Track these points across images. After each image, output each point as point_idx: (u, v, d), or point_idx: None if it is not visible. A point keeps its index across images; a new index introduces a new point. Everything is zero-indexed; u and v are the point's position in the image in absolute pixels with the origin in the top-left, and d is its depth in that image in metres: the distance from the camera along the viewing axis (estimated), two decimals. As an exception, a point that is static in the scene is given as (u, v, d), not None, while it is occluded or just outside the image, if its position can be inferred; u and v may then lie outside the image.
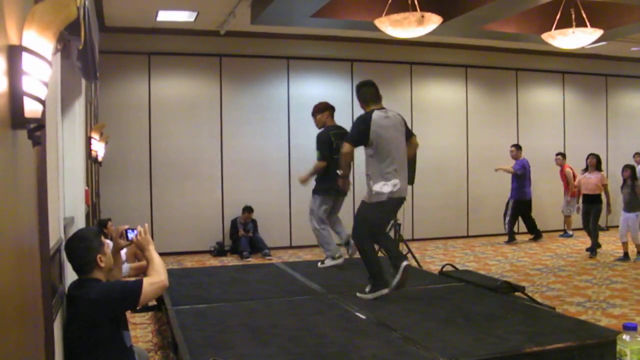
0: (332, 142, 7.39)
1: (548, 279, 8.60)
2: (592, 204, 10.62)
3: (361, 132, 5.93)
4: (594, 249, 10.50)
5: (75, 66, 4.68)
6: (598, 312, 6.68)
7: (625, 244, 9.91)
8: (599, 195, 10.62)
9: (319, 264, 7.68)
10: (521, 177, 12.16)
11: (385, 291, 5.80)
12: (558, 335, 4.56)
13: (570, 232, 12.90)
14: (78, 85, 5.72)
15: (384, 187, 5.84)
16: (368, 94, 6.17)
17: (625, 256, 9.83)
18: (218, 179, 11.68)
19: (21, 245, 2.22)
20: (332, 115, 7.68)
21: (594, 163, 10.80)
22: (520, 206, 12.28)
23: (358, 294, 5.89)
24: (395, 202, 6.03)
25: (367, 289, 5.87)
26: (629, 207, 9.82)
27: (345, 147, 6.02)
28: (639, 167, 12.89)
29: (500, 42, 11.98)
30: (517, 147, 12.57)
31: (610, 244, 11.35)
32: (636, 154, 14.16)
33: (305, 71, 12.14)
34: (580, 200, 11.06)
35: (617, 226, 10.31)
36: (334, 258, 7.51)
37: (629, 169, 10.03)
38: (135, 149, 11.22)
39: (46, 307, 2.70)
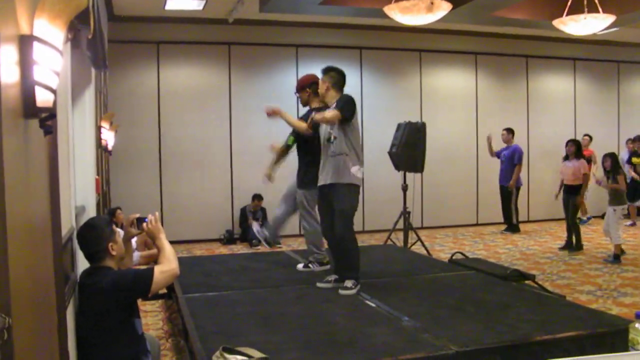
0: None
1: (558, 267, 8.59)
2: (571, 194, 9.93)
3: (354, 109, 5.78)
4: (570, 244, 9.89)
5: (84, 55, 4.68)
6: (609, 300, 6.67)
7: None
8: (578, 186, 9.87)
9: (301, 266, 6.88)
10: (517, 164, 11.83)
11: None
12: (569, 324, 4.56)
13: (585, 218, 12.79)
14: (88, 74, 5.72)
15: (358, 172, 5.72)
16: (344, 82, 6.04)
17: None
18: (227, 167, 11.70)
19: (34, 234, 2.24)
20: (315, 92, 6.56)
21: (573, 150, 10.04)
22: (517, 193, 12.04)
23: (341, 291, 5.61)
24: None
25: (349, 284, 5.65)
26: (609, 199, 9.10)
27: (335, 114, 5.61)
28: (623, 155, 12.71)
29: (510, 28, 11.91)
30: (509, 130, 12.11)
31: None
32: (629, 140, 13.36)
33: (314, 59, 12.07)
34: (562, 190, 10.29)
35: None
36: (322, 263, 6.77)
37: (609, 158, 9.23)
38: (144, 137, 11.24)
39: (59, 295, 2.72)
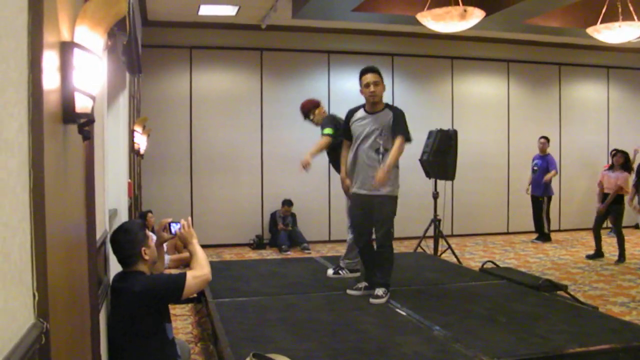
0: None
1: (590, 277, 8.48)
2: (612, 204, 9.76)
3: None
4: (600, 253, 9.91)
5: (120, 60, 4.73)
6: (643, 312, 6.57)
7: None
8: (620, 196, 9.74)
9: (331, 272, 6.83)
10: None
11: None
12: (602, 336, 4.50)
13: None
14: (122, 79, 5.78)
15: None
16: None
17: None
18: (258, 173, 11.74)
19: (70, 237, 2.26)
20: (320, 111, 7.07)
21: (621, 162, 9.89)
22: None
23: (372, 300, 5.55)
24: None
25: (380, 292, 5.59)
26: None
27: (402, 146, 5.61)
28: None
29: (543, 36, 11.82)
30: (547, 139, 12.03)
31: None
32: None
33: (345, 65, 12.10)
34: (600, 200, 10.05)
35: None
36: (351, 270, 6.74)
37: None
38: (176, 142, 11.32)
39: (92, 297, 2.75)
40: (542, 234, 11.92)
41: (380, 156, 5.66)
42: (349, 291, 5.89)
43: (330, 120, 6.71)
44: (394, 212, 5.83)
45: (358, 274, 6.58)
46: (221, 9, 10.17)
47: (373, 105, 5.78)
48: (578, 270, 9.02)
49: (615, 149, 10.44)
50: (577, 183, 13.00)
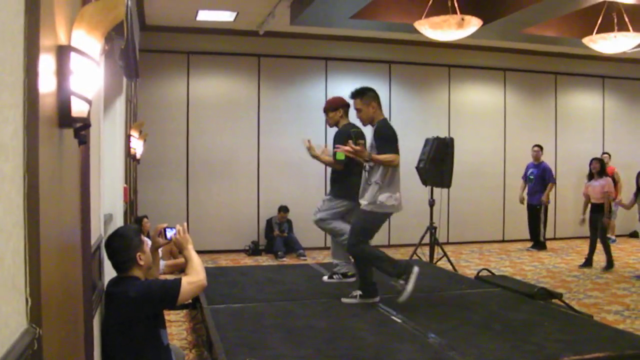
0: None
1: (585, 285, 8.48)
2: (599, 213, 9.79)
3: (396, 139, 5.78)
4: (591, 262, 9.96)
5: (117, 65, 4.73)
6: (637, 321, 6.56)
7: None
8: (603, 205, 9.80)
9: (326, 278, 6.91)
10: (546, 180, 11.81)
11: (376, 299, 5.78)
12: (596, 345, 4.50)
13: (613, 238, 12.67)
14: (119, 83, 5.78)
15: (389, 200, 5.67)
16: (379, 100, 5.94)
17: None
18: (254, 179, 11.73)
19: (65, 242, 2.25)
20: (346, 114, 6.85)
21: (598, 168, 10.02)
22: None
23: (343, 299, 5.80)
24: (388, 216, 5.97)
25: (401, 281, 5.55)
26: None
27: (395, 158, 5.62)
28: None
29: (539, 45, 11.85)
30: (541, 147, 12.12)
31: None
32: None
33: (343, 72, 12.12)
34: (588, 210, 10.12)
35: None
36: (346, 275, 6.77)
37: None
38: (173, 147, 11.31)
39: (86, 302, 2.73)
40: (538, 242, 11.93)
41: (367, 173, 5.79)
42: (343, 299, 5.88)
43: (345, 139, 6.39)
44: (364, 227, 5.82)
45: (353, 279, 6.56)
46: (219, 15, 10.18)
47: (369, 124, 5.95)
48: (573, 278, 9.03)
49: (593, 158, 10.52)
50: (572, 191, 13.00)
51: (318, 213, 6.76)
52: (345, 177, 6.60)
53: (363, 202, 5.77)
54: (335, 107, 6.84)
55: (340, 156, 6.37)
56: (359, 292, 5.87)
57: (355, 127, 6.74)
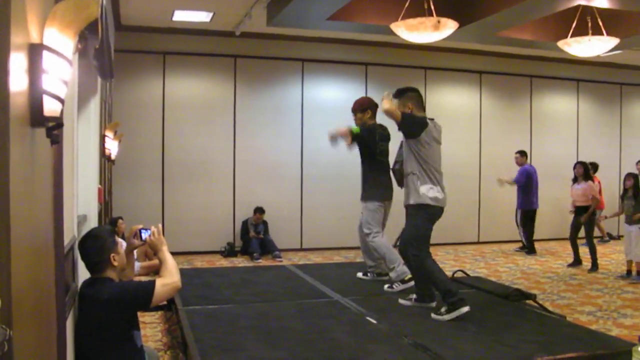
0: (376, 142, 6.82)
1: (559, 287, 8.55)
2: (581, 215, 10.12)
3: (419, 122, 5.70)
4: (579, 262, 10.19)
5: (91, 65, 4.69)
6: (609, 321, 6.62)
7: (629, 262, 9.12)
8: (589, 207, 10.10)
9: (387, 287, 6.61)
10: (528, 186, 11.85)
11: (466, 309, 5.32)
12: (569, 345, 4.54)
13: (607, 238, 12.82)
14: (94, 83, 5.73)
15: (430, 191, 5.70)
16: (419, 100, 5.91)
17: (629, 274, 9.08)
18: (230, 180, 11.69)
19: (37, 242, 2.23)
20: (374, 114, 6.93)
21: (582, 172, 10.30)
22: (526, 216, 11.97)
23: (433, 315, 5.39)
24: (437, 213, 5.92)
25: (443, 309, 5.38)
26: (630, 218, 9.03)
27: (395, 112, 5.54)
28: None
29: (515, 48, 11.93)
30: (522, 153, 12.19)
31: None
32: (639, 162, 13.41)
33: (319, 74, 12.13)
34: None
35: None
36: (404, 281, 6.56)
37: (631, 177, 9.27)
38: (148, 148, 11.24)
39: (59, 304, 2.71)
40: (531, 247, 11.98)
41: (398, 165, 6.30)
42: (400, 300, 5.93)
43: (370, 129, 6.78)
44: (416, 234, 5.99)
45: (386, 278, 6.80)
46: (195, 15, 10.14)
47: None
48: (547, 279, 9.10)
49: (577, 162, 10.74)
50: (547, 194, 13.08)
51: (363, 227, 6.83)
52: (374, 177, 6.80)
53: (409, 201, 5.80)
54: (363, 108, 6.94)
55: (357, 129, 6.54)
56: (414, 296, 5.88)
57: (384, 129, 6.92)
